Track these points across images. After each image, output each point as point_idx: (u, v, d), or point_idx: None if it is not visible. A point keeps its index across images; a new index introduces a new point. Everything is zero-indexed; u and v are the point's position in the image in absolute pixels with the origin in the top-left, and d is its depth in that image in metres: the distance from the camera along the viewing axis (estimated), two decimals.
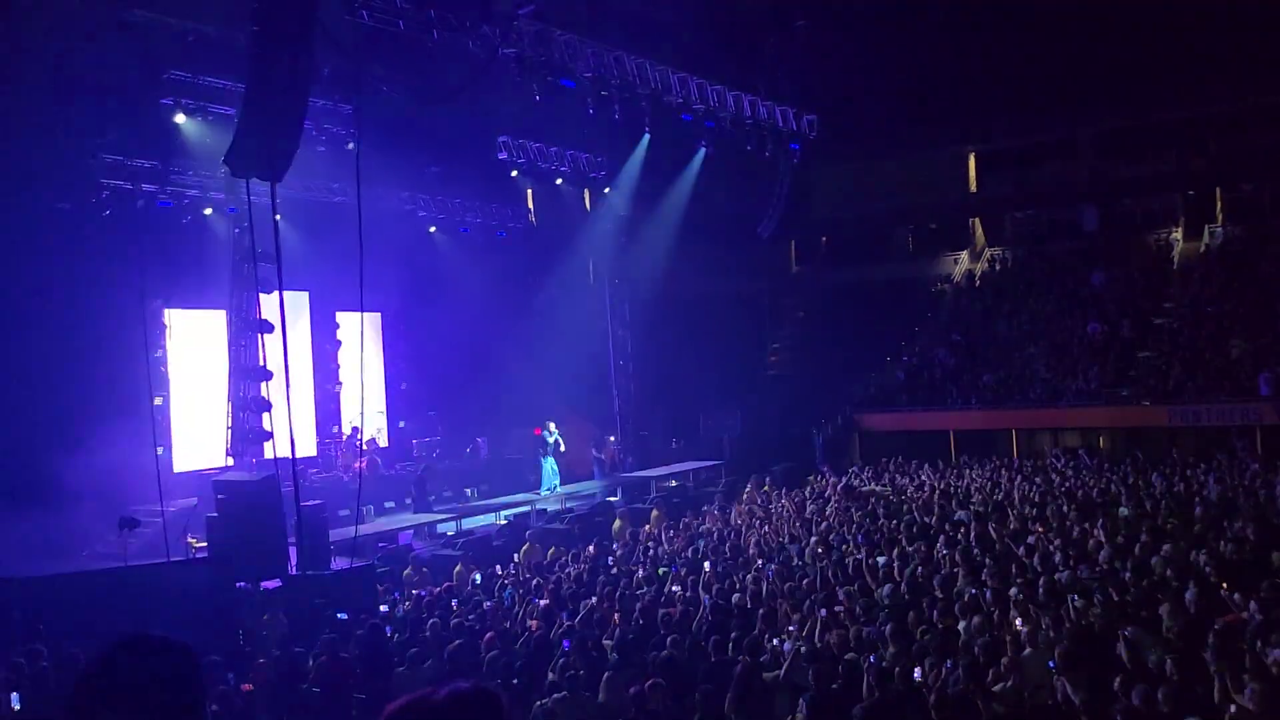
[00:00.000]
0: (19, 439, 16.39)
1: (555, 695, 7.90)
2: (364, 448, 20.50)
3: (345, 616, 11.83)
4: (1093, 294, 28.47)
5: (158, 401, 18.40)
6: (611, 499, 22.09)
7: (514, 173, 24.05)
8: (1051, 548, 12.51)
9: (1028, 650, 8.26)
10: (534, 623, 10.60)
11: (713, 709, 7.33)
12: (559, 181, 25.58)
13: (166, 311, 19.83)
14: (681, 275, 28.98)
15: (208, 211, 19.55)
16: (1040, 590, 10.21)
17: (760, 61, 23.73)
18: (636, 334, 27.34)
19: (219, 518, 14.03)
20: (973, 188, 33.40)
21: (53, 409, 16.58)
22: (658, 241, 27.10)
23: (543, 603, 11.33)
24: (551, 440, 21.75)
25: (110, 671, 1.96)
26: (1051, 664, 7.55)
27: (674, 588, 11.99)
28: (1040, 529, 13.99)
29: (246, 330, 17.88)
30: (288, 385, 14.90)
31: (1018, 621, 9.06)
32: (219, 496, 14.17)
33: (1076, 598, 9.64)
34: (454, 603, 12.14)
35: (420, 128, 20.30)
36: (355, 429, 21.26)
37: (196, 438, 19.98)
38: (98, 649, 1.98)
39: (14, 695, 8.03)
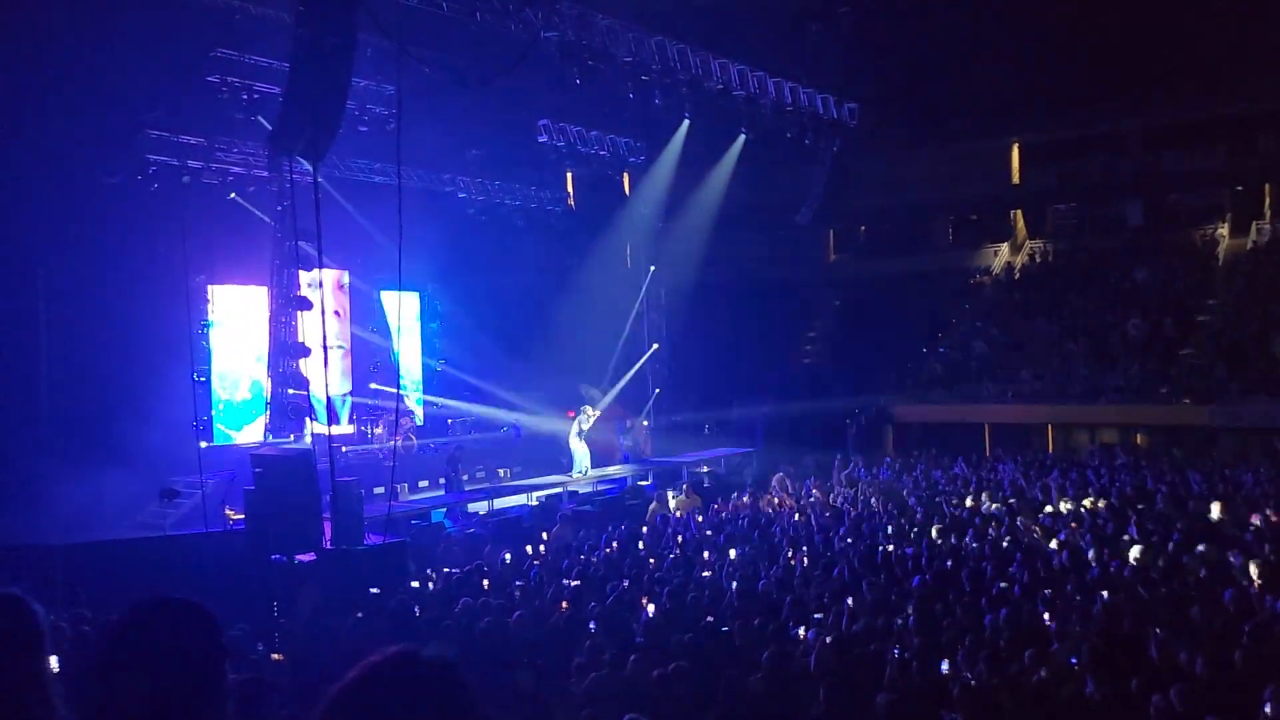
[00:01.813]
0: (67, 410, 16.76)
1: (593, 676, 7.92)
2: (401, 424, 20.73)
3: (378, 591, 12.03)
4: (1135, 290, 28.09)
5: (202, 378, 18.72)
6: (643, 483, 22.19)
7: None
8: (1083, 544, 12.45)
9: (1055, 645, 8.25)
10: (564, 604, 10.70)
11: (736, 695, 7.38)
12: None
13: (210, 287, 20.14)
14: (718, 261, 28.92)
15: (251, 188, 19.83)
16: (1070, 586, 10.17)
17: (803, 48, 23.58)
18: (671, 319, 27.36)
19: (256, 491, 14.25)
20: (1015, 179, 32.97)
21: (100, 381, 16.91)
22: (695, 227, 27.07)
23: (572, 584, 11.45)
24: (587, 425, 21.86)
25: (134, 632, 2.04)
26: (1074, 660, 7.54)
27: (704, 574, 12.06)
28: (1074, 525, 13.91)
29: (287, 307, 18.12)
30: (325, 362, 15.13)
31: (1045, 616, 9.05)
32: (256, 470, 14.39)
33: (1106, 594, 9.61)
34: (484, 582, 12.28)
35: (462, 110, 20.42)
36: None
37: (237, 412, 20.32)
38: (124, 610, 2.07)
39: (54, 658, 8.22)
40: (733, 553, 12.99)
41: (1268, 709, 6.27)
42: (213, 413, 19.81)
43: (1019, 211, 33.57)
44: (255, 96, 17.49)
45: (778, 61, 21.68)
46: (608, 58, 17.55)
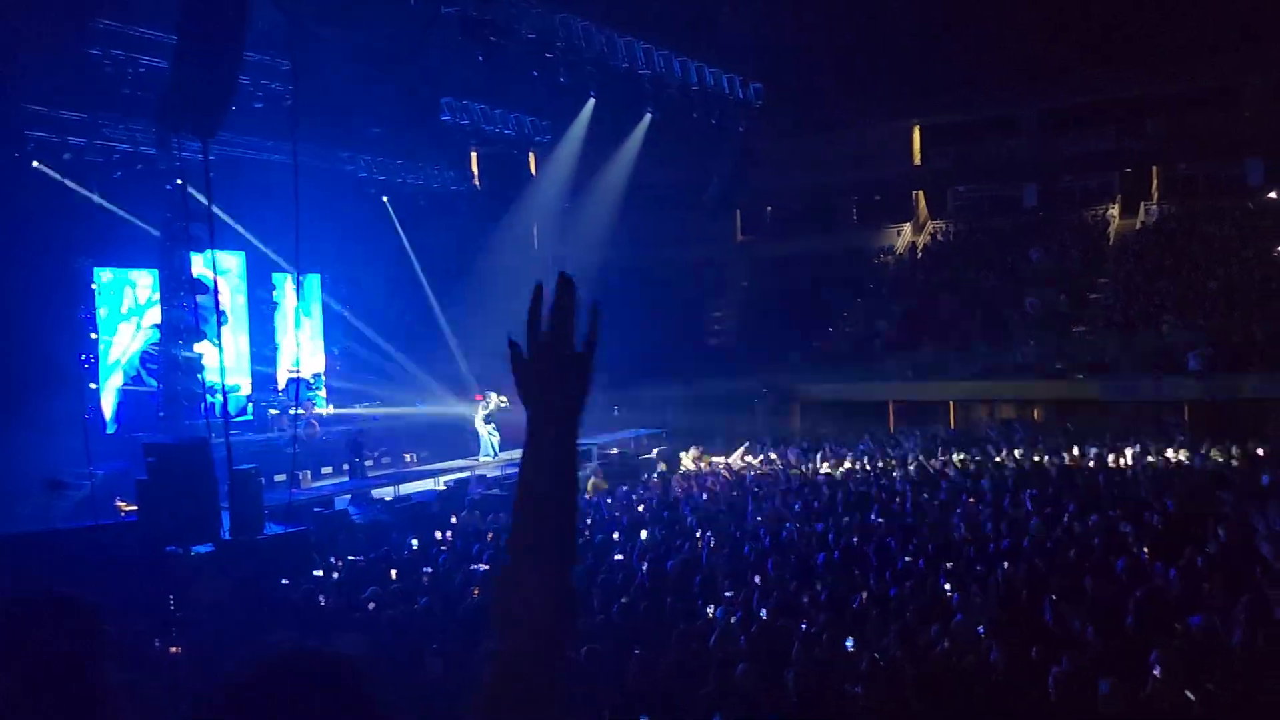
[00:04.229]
0: None
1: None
2: (300, 411, 20.19)
3: (287, 582, 11.72)
4: (1031, 269, 28.90)
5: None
6: None
7: None
8: (983, 517, 12.75)
9: (957, 617, 8.40)
10: (475, 589, 10.54)
11: (647, 674, 7.35)
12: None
13: (95, 270, 19.30)
14: (625, 242, 28.86)
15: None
16: (970, 558, 10.40)
17: (707, 26, 23.57)
18: (579, 300, 27.17)
19: (149, 481, 13.73)
20: (916, 161, 33.64)
21: None
22: (602, 207, 26.92)
23: (482, 569, 11.29)
24: (490, 408, 21.59)
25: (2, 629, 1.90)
26: (981, 630, 7.69)
27: (617, 556, 12.01)
28: (972, 499, 14.23)
29: (179, 290, 17.47)
30: (220, 347, 14.65)
31: (947, 587, 9.22)
32: (149, 459, 13.85)
33: (1005, 565, 9.84)
34: (392, 572, 12.03)
35: (361, 87, 19.87)
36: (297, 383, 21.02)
37: (126, 399, 19.55)
38: None
39: None
40: (644, 534, 12.97)
41: (1157, 671, 6.47)
42: (100, 402, 19.02)
43: (920, 193, 34.23)
44: (141, 70, 16.74)
45: (683, 40, 21.64)
46: (510, 34, 17.27)
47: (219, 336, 15.01)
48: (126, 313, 19.80)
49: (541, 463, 1.68)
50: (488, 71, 18.32)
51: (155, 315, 19.23)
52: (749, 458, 20.42)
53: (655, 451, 22.93)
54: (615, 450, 23.51)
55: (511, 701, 1.55)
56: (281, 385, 22.67)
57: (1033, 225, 31.11)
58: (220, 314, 16.04)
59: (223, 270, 18.69)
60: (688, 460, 20.98)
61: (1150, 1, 26.30)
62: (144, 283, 19.78)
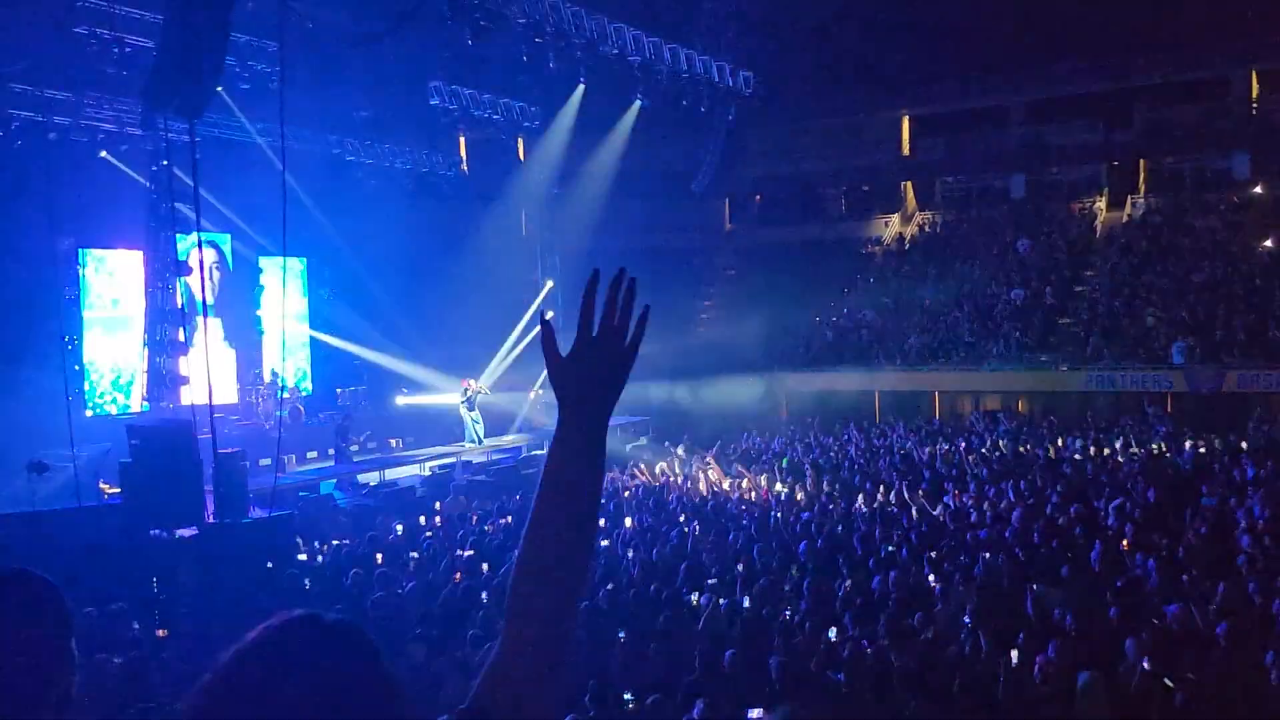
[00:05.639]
0: None
1: (487, 646, 7.80)
2: (285, 395, 20.11)
3: (271, 565, 11.71)
4: (1017, 260, 28.97)
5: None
6: (538, 452, 22.03)
7: None
8: (967, 507, 12.82)
9: (939, 606, 8.45)
10: (458, 574, 10.54)
11: (633, 660, 7.38)
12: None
13: (80, 250, 19.16)
14: (614, 229, 28.81)
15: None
16: (953, 547, 10.45)
17: (699, 14, 23.47)
18: (567, 286, 27.15)
19: (133, 463, 13.67)
20: (905, 151, 33.64)
21: None
22: (591, 194, 26.84)
23: (467, 554, 11.30)
24: (470, 394, 21.54)
25: None
26: (967, 620, 7.73)
27: (603, 542, 12.03)
28: (956, 491, 14.29)
29: (164, 272, 17.36)
30: (205, 329, 14.57)
31: (930, 578, 9.27)
32: (133, 442, 13.79)
33: (988, 555, 9.89)
34: (378, 556, 12.02)
35: (349, 69, 19.74)
36: (275, 374, 20.87)
37: (112, 381, 19.45)
38: None
39: None
40: (629, 521, 12.99)
41: (1145, 664, 6.52)
42: (84, 383, 18.91)
43: (908, 183, 34.24)
44: (127, 50, 16.56)
45: (674, 27, 21.56)
46: (500, 18, 17.15)
47: (204, 318, 14.93)
48: (110, 293, 19.68)
49: (572, 452, 1.71)
50: (477, 56, 18.21)
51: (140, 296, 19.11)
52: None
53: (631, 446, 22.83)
54: None
55: (517, 681, 1.57)
56: (266, 369, 22.55)
57: (1020, 216, 31.17)
58: (205, 295, 15.92)
59: (208, 251, 18.57)
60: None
61: None
62: (129, 263, 19.65)
